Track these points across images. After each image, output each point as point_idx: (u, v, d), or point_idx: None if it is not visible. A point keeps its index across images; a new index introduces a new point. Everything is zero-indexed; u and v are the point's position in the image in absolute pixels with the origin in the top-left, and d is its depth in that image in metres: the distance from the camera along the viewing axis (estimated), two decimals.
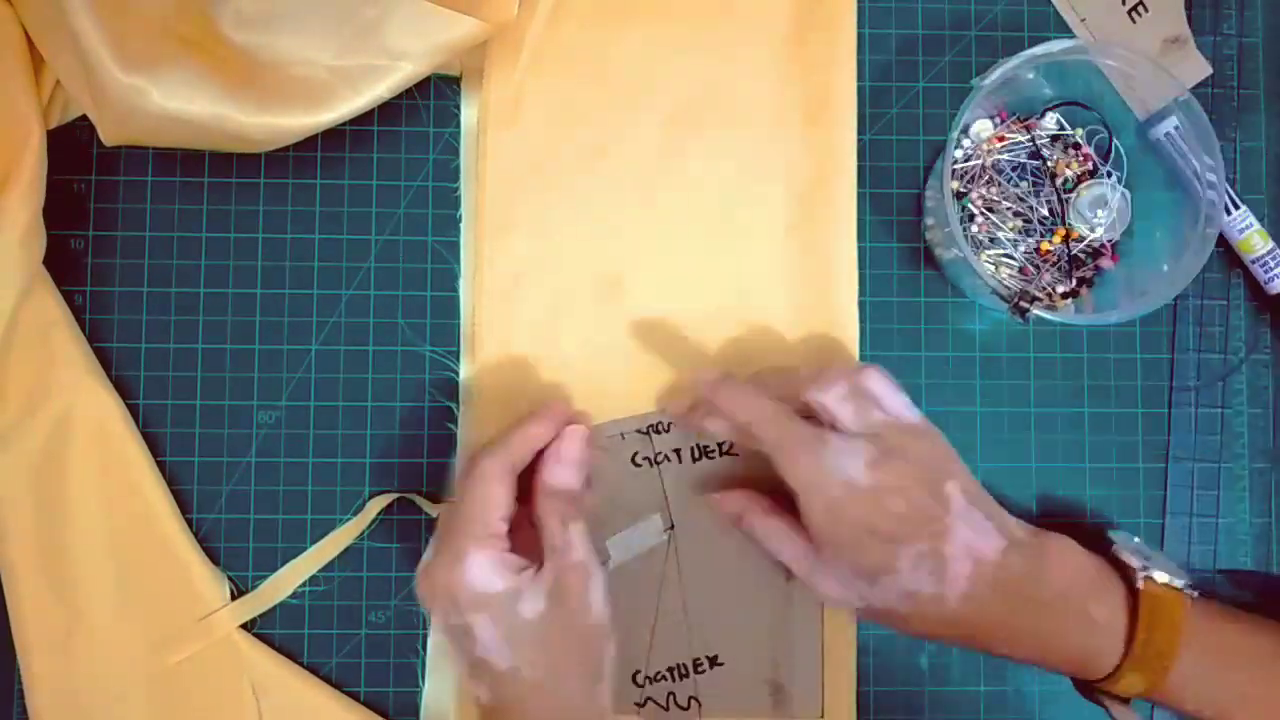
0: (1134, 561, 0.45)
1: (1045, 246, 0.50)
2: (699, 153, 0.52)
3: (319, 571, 0.51)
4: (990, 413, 0.53)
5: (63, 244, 0.51)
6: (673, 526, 0.51)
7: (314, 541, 0.51)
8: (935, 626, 0.44)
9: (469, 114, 0.53)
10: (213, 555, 0.51)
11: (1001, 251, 0.51)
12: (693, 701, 0.50)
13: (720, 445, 0.51)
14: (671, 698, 0.50)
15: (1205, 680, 0.44)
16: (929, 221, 0.52)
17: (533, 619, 0.42)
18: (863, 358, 0.52)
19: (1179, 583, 0.45)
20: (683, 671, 0.50)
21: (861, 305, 0.52)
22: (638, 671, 0.50)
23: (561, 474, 0.46)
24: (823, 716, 0.50)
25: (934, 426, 0.46)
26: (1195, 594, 0.45)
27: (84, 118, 0.51)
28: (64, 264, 0.51)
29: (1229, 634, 0.45)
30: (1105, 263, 0.51)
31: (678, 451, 0.51)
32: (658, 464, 0.51)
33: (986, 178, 0.51)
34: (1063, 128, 0.52)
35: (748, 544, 0.50)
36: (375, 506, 0.51)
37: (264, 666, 0.50)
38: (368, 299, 0.52)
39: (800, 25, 0.53)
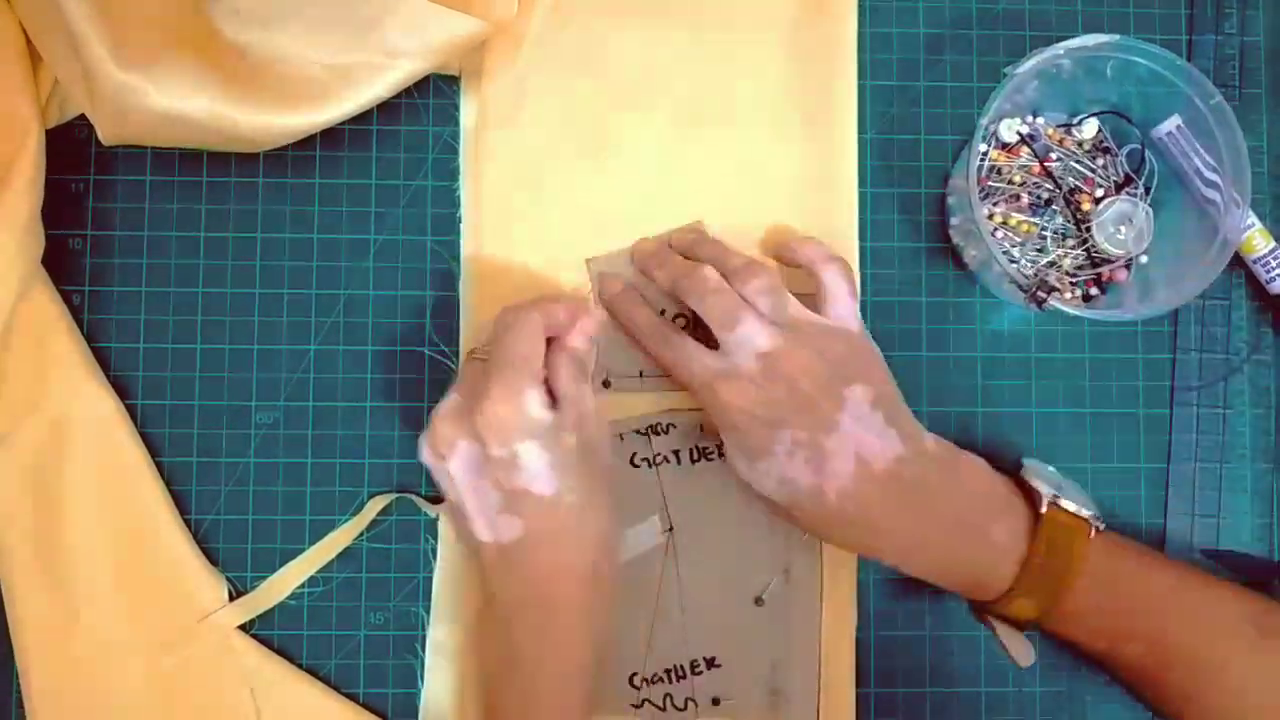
0: (1042, 488, 0.46)
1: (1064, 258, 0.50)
2: (699, 152, 0.52)
3: (318, 572, 0.51)
4: (991, 413, 0.52)
5: (61, 244, 0.51)
6: (671, 528, 0.51)
7: (313, 542, 0.51)
8: (817, 523, 0.46)
9: (468, 113, 0.52)
10: (211, 556, 0.51)
11: (1020, 247, 0.50)
12: (690, 703, 0.50)
13: (720, 446, 0.51)
14: (669, 699, 0.50)
15: (1098, 612, 0.45)
16: (951, 201, 0.52)
17: (572, 447, 0.45)
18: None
19: (1085, 513, 0.45)
20: (680, 673, 0.50)
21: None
22: (635, 674, 0.50)
23: (581, 342, 0.48)
24: (819, 718, 0.50)
25: (870, 342, 0.48)
26: (1101, 526, 0.45)
27: (82, 117, 0.51)
28: (62, 264, 0.51)
29: (1127, 568, 0.46)
30: (1119, 273, 0.50)
31: (676, 453, 0.51)
32: (656, 465, 0.51)
33: (1012, 181, 0.50)
34: (1101, 133, 0.51)
35: (747, 545, 0.50)
36: (374, 507, 0.51)
37: (262, 668, 0.50)
38: (366, 299, 0.52)
39: (801, 24, 0.53)
